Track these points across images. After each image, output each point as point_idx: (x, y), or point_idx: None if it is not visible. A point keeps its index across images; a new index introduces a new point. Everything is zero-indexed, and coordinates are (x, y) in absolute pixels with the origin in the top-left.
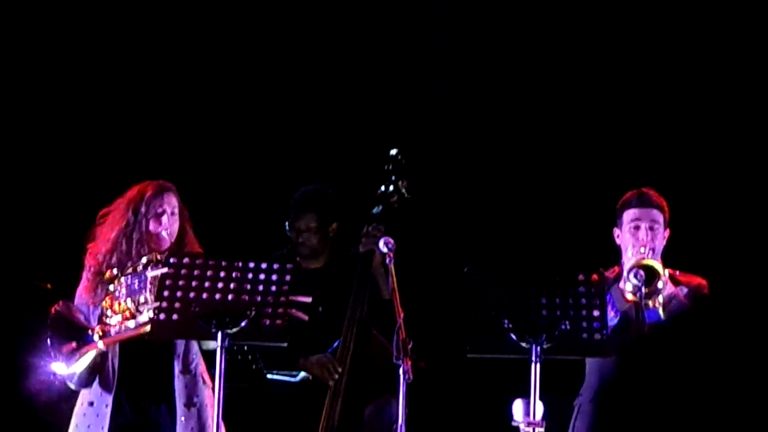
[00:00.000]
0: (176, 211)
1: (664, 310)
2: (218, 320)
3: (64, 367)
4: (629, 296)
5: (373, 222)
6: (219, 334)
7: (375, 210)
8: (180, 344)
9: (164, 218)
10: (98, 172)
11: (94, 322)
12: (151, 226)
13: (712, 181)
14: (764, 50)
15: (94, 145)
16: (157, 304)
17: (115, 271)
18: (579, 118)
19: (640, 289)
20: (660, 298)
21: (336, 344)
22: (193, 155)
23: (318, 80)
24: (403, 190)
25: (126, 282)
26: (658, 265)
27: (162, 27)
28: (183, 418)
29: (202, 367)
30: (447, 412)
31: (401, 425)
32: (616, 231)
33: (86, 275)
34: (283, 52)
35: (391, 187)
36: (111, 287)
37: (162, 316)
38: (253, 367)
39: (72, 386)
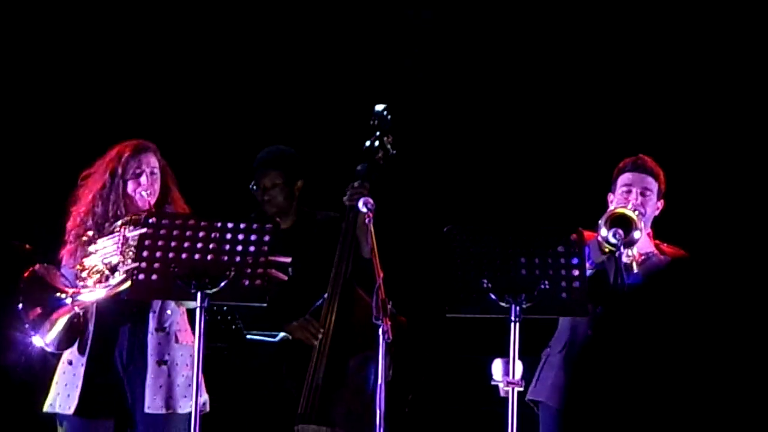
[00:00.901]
0: (156, 170)
1: (639, 266)
2: (197, 281)
3: (40, 339)
4: (605, 247)
5: (359, 179)
6: (198, 295)
7: (360, 167)
8: (156, 301)
9: (143, 178)
10: (82, 133)
11: (77, 284)
12: (129, 187)
13: (705, 164)
14: (755, 36)
15: (76, 106)
16: (135, 264)
17: (91, 233)
18: (566, 76)
19: (618, 248)
20: (635, 250)
21: (318, 303)
22: (177, 116)
23: (303, 37)
24: (389, 146)
25: (103, 243)
26: (632, 214)
27: None
28: (152, 375)
29: (178, 326)
30: (427, 372)
31: (381, 384)
32: (610, 196)
33: (67, 238)
34: (268, 9)
35: (377, 143)
36: (91, 248)
37: (141, 276)
38: (233, 327)
39: (50, 350)
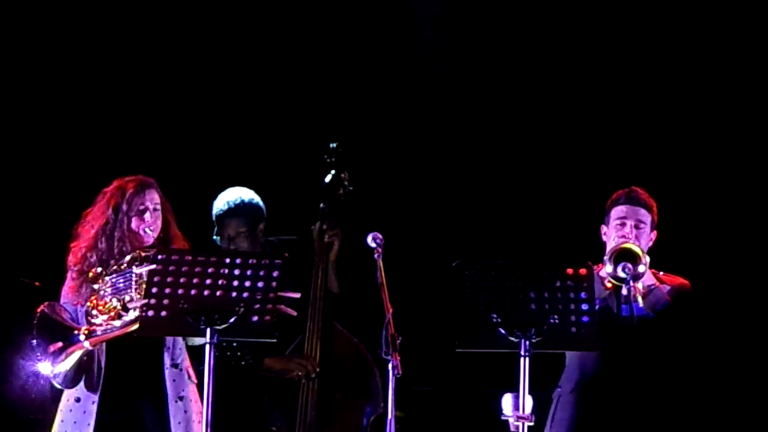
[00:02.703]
0: (158, 206)
1: (643, 299)
2: (207, 316)
3: (49, 367)
4: (608, 283)
5: (324, 219)
6: (207, 331)
7: (322, 205)
8: (169, 338)
9: (147, 215)
10: (83, 170)
11: (81, 321)
12: (134, 224)
13: (701, 186)
14: (753, 53)
15: (78, 143)
16: (145, 301)
17: (98, 269)
18: (569, 110)
19: (628, 282)
20: (640, 285)
21: (296, 342)
22: (166, 150)
23: (257, 74)
24: (345, 183)
25: (111, 281)
26: (637, 249)
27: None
28: (173, 412)
29: (187, 362)
30: (436, 407)
31: (391, 420)
32: (603, 228)
33: (70, 275)
34: (228, 49)
35: (335, 180)
36: (96, 286)
37: (150, 312)
38: (242, 363)
39: (57, 385)
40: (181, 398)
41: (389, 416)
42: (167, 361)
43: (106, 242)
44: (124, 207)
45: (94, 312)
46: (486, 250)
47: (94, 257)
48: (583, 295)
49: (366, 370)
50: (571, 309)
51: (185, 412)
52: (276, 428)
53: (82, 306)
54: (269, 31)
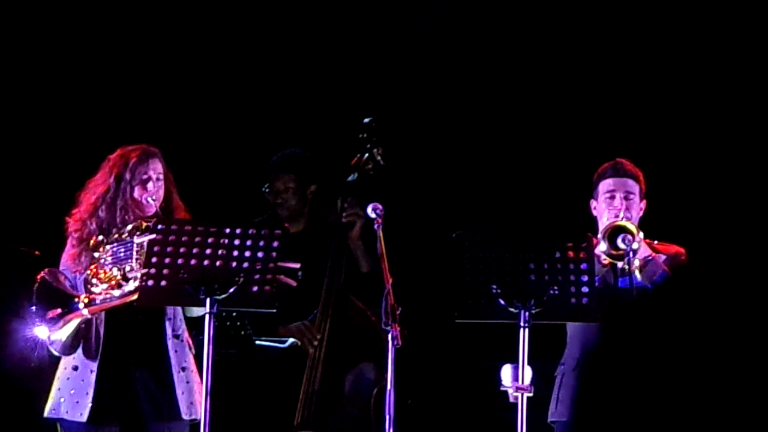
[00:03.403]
0: (161, 176)
1: (641, 272)
2: (206, 287)
3: (46, 331)
4: (605, 259)
5: (347, 194)
6: (207, 301)
7: (350, 178)
8: (170, 308)
9: (150, 184)
10: (83, 136)
11: (80, 289)
12: (136, 193)
13: (692, 156)
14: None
15: (78, 109)
16: (145, 270)
17: (99, 237)
18: (566, 84)
19: (628, 253)
20: (636, 262)
21: (316, 311)
22: (173, 120)
23: (295, 48)
24: (379, 158)
25: (112, 249)
26: (631, 225)
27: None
28: (177, 382)
29: (186, 333)
30: (435, 378)
31: (390, 390)
32: (593, 203)
33: (70, 242)
34: (261, 21)
35: (366, 155)
36: (96, 254)
37: (150, 282)
38: (242, 333)
39: (55, 352)
40: (183, 369)
41: (388, 387)
42: (169, 332)
43: (107, 210)
44: (127, 176)
45: (94, 281)
46: (486, 221)
47: (94, 225)
48: (583, 266)
49: (375, 341)
50: (571, 280)
51: (187, 382)
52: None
53: (82, 274)
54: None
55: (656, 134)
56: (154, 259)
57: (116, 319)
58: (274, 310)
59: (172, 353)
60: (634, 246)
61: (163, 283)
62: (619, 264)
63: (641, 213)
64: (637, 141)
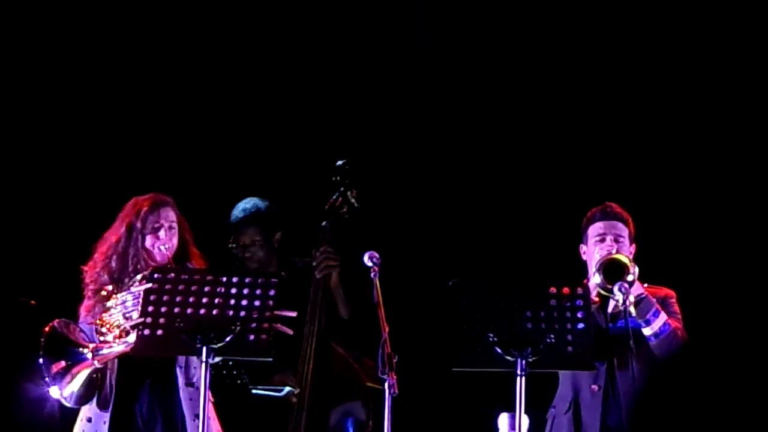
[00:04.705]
0: (174, 225)
1: (635, 308)
2: (203, 335)
3: (57, 391)
4: (595, 297)
5: (322, 240)
6: (204, 349)
7: (324, 223)
8: (181, 357)
9: (161, 233)
10: (92, 186)
11: (96, 341)
12: (148, 242)
13: (680, 198)
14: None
15: (87, 159)
16: (141, 319)
17: (110, 287)
18: (558, 128)
19: (624, 302)
20: (631, 297)
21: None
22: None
23: (263, 91)
24: (353, 200)
25: (121, 299)
26: (625, 258)
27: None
28: (190, 430)
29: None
30: (433, 426)
31: None
32: (582, 247)
33: (86, 294)
34: (231, 64)
35: (340, 198)
36: (109, 304)
37: (146, 331)
38: (238, 382)
39: (68, 405)
40: (197, 416)
41: None
42: (181, 380)
43: (118, 260)
44: (138, 225)
45: (104, 330)
46: (482, 269)
47: (106, 276)
48: (579, 314)
49: (356, 390)
50: (567, 328)
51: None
52: None
53: (96, 325)
54: (272, 47)
55: (644, 179)
56: (150, 308)
57: (128, 368)
58: (271, 359)
59: (185, 402)
60: (629, 278)
61: (159, 332)
62: (611, 302)
63: (631, 257)
64: (627, 186)
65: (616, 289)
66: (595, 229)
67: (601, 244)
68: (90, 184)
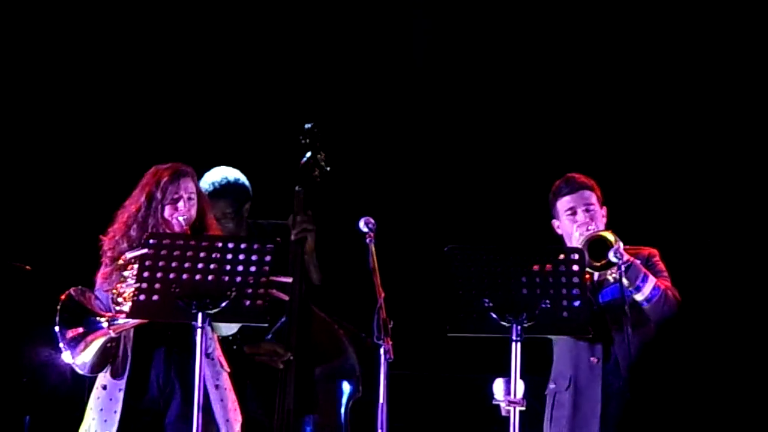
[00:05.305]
0: (194, 196)
1: (625, 276)
2: (198, 301)
3: (69, 356)
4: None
5: (299, 204)
6: (199, 315)
7: (298, 188)
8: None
9: (180, 204)
10: (120, 154)
11: (111, 309)
12: (167, 212)
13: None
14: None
15: (95, 135)
16: (137, 285)
17: (128, 255)
18: (552, 97)
19: (620, 267)
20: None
21: (279, 325)
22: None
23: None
24: (322, 163)
25: (137, 268)
26: (609, 234)
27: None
28: (213, 400)
29: (218, 351)
30: (428, 391)
31: (383, 404)
32: (555, 222)
33: (104, 261)
34: (205, 33)
35: (311, 161)
36: (126, 273)
37: (142, 297)
38: (233, 348)
39: (80, 372)
40: (216, 387)
41: (381, 401)
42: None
43: (138, 229)
44: (158, 195)
45: (120, 299)
46: (478, 235)
47: (125, 244)
48: (574, 279)
49: (340, 351)
50: (562, 294)
51: (221, 400)
52: (257, 415)
53: (112, 294)
54: (247, 11)
55: (613, 140)
56: (145, 274)
57: (144, 336)
58: (266, 325)
59: (202, 372)
60: (611, 258)
61: (155, 297)
62: (609, 275)
63: (605, 219)
64: (611, 150)
65: (611, 254)
66: (564, 204)
67: (574, 217)
68: (89, 155)
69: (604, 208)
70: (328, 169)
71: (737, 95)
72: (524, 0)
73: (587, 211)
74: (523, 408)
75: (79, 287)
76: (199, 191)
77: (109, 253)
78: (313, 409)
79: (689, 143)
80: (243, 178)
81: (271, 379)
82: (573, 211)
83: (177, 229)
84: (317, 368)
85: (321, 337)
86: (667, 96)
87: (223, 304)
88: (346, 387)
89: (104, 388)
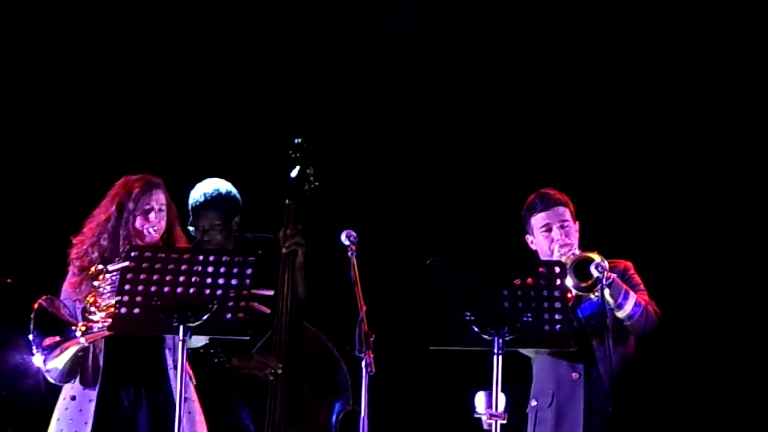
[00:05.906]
0: (164, 207)
1: (609, 289)
2: (180, 314)
3: (41, 360)
4: (569, 294)
5: (289, 217)
6: (180, 328)
7: (288, 202)
8: (169, 338)
9: (151, 215)
10: (88, 164)
11: (78, 318)
12: (138, 223)
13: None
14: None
15: (71, 141)
16: (118, 298)
17: (100, 266)
18: (536, 101)
19: (601, 281)
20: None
21: (265, 339)
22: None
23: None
24: (311, 178)
25: (111, 278)
26: (594, 255)
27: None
28: (181, 412)
29: (188, 363)
30: (409, 404)
31: (364, 417)
32: (529, 237)
33: (71, 270)
34: (197, 47)
35: (300, 176)
36: (96, 283)
37: (123, 309)
38: (215, 361)
39: (51, 380)
40: (185, 399)
41: (362, 414)
42: (169, 362)
43: (109, 239)
44: (130, 206)
45: (92, 309)
46: (460, 248)
47: (96, 253)
48: (556, 293)
49: (331, 365)
50: (544, 307)
51: (189, 413)
52: (245, 426)
53: (81, 303)
54: (236, 25)
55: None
56: (127, 287)
57: (116, 347)
58: (248, 338)
59: (173, 384)
60: (594, 273)
61: (137, 310)
62: (591, 295)
63: (578, 234)
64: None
65: (592, 268)
66: (538, 220)
67: (549, 233)
68: (61, 164)
69: (577, 222)
70: (317, 184)
71: (710, 109)
72: (493, 26)
73: (562, 227)
74: (505, 421)
75: (49, 297)
76: (169, 202)
77: (77, 263)
78: (301, 422)
79: (660, 154)
80: (234, 191)
81: (261, 390)
82: (548, 228)
83: (148, 239)
84: (308, 381)
85: (311, 351)
86: (640, 106)
87: (205, 317)
88: (337, 400)
89: (73, 398)
